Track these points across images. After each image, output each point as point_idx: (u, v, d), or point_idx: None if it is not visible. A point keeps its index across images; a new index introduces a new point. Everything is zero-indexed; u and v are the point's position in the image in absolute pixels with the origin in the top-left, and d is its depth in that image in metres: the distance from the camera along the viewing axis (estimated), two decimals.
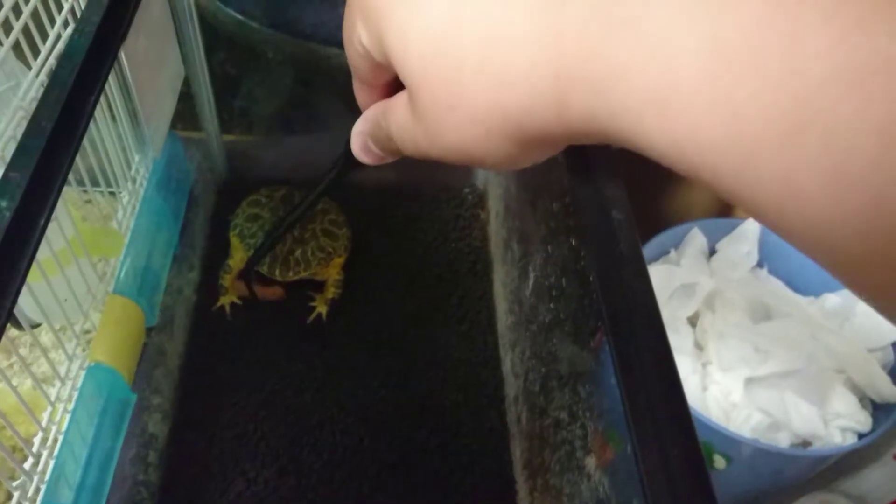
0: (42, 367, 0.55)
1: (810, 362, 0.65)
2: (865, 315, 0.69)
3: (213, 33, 0.63)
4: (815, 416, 0.63)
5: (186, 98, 0.59)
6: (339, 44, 0.26)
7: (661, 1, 0.17)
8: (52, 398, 0.38)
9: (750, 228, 0.75)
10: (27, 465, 0.34)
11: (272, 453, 0.56)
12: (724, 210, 0.85)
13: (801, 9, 0.15)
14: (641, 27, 0.17)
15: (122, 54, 0.39)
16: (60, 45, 0.38)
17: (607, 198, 0.30)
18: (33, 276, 0.32)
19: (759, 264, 0.76)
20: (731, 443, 0.60)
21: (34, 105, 0.30)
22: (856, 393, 0.66)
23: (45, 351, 0.36)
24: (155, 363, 0.54)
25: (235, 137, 0.72)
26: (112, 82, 0.43)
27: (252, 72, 0.69)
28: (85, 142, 0.32)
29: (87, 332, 0.43)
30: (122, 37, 0.37)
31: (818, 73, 0.14)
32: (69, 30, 0.38)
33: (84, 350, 0.41)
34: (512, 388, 0.59)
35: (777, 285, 0.75)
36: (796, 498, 0.70)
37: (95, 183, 0.45)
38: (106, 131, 0.44)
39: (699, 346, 0.69)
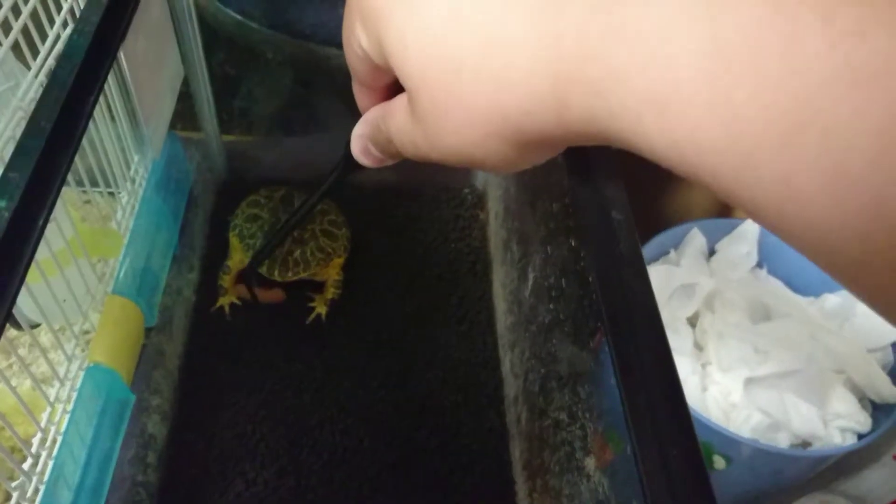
0: (41, 368, 0.55)
1: (810, 363, 0.65)
2: (865, 315, 0.69)
3: (213, 33, 0.63)
4: (815, 417, 0.63)
5: (186, 98, 0.59)
6: (339, 44, 0.26)
7: (661, 2, 0.17)
8: (52, 399, 0.38)
9: (749, 229, 0.75)
10: (26, 466, 0.34)
11: (272, 454, 0.56)
12: (723, 210, 0.85)
13: (801, 9, 0.15)
14: (641, 28, 0.17)
15: (121, 54, 0.39)
16: (59, 46, 0.38)
17: (607, 198, 0.30)
18: (32, 277, 0.32)
19: (759, 265, 0.76)
20: (730, 443, 0.60)
21: (33, 105, 0.30)
22: (855, 393, 0.66)
23: (44, 351, 0.36)
24: (154, 364, 0.54)
25: (235, 138, 0.72)
26: (111, 82, 0.43)
27: (251, 72, 0.69)
28: (84, 142, 0.32)
29: (87, 332, 0.43)
30: (122, 37, 0.37)
31: (818, 74, 0.14)
32: (68, 30, 0.38)
33: (83, 351, 0.41)
34: (511, 388, 0.59)
35: (777, 286, 0.75)
36: (796, 498, 0.70)
37: (95, 183, 0.45)
38: (105, 131, 0.44)
39: (699, 347, 0.69)
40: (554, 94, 0.19)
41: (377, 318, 0.65)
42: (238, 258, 0.63)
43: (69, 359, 0.41)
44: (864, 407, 0.65)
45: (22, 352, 0.56)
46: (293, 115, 0.74)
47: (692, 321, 0.71)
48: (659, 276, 0.72)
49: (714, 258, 0.77)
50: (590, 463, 0.39)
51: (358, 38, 0.24)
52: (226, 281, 0.63)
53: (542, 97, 0.20)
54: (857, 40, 0.14)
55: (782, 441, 0.63)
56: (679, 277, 0.72)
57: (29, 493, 0.34)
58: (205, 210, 0.68)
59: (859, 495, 0.68)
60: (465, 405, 0.60)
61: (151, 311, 0.48)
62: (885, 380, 0.66)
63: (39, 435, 0.36)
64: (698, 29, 0.16)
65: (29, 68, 0.37)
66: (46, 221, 0.28)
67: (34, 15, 0.36)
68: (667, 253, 0.77)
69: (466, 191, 0.74)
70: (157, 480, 0.53)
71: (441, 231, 0.71)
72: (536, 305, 0.52)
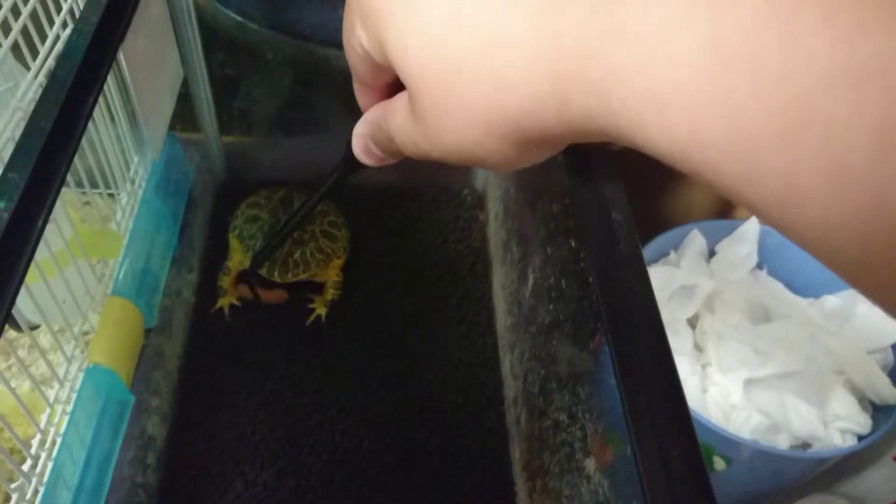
0: (41, 369, 0.55)
1: (810, 364, 0.65)
2: (865, 316, 0.69)
3: (212, 34, 0.63)
4: (815, 418, 0.63)
5: (185, 99, 0.59)
6: (339, 45, 0.26)
7: (661, 2, 0.17)
8: (51, 400, 0.38)
9: (749, 230, 0.75)
10: (25, 467, 0.34)
11: (271, 455, 0.56)
12: (723, 211, 0.85)
13: (801, 9, 0.15)
14: (641, 28, 0.17)
15: (120, 55, 0.38)
16: (59, 46, 0.38)
17: (607, 199, 0.30)
18: (32, 278, 0.32)
19: (759, 266, 0.76)
20: (730, 444, 0.60)
21: (33, 106, 0.30)
22: (855, 394, 0.66)
23: (43, 352, 0.36)
24: (154, 365, 0.54)
25: (234, 139, 0.71)
26: (111, 83, 0.43)
27: (251, 73, 0.69)
28: (83, 143, 0.32)
29: (86, 333, 0.43)
30: (121, 37, 0.37)
31: (818, 73, 0.14)
32: (68, 30, 0.38)
33: (83, 352, 0.41)
34: (511, 389, 0.59)
35: (776, 287, 0.75)
36: (796, 499, 0.69)
37: (94, 184, 0.45)
38: (104, 132, 0.44)
39: (699, 348, 0.69)
40: (554, 93, 0.19)
41: (377, 319, 0.65)
42: (238, 259, 0.63)
43: (69, 360, 0.41)
44: (864, 408, 0.65)
45: (21, 353, 0.56)
46: (293, 116, 0.74)
47: (692, 322, 0.71)
48: (659, 278, 0.72)
49: (714, 259, 0.77)
50: (590, 464, 0.38)
51: (358, 38, 0.24)
52: (225, 282, 0.63)
53: (543, 96, 0.20)
54: (858, 39, 0.14)
55: (782, 442, 0.63)
56: (679, 278, 0.72)
57: (28, 495, 0.34)
58: (204, 211, 0.68)
59: (859, 496, 0.68)
60: (464, 406, 0.60)
61: (151, 312, 0.48)
62: (885, 381, 0.66)
63: (39, 436, 0.36)
64: (698, 28, 0.16)
65: (28, 69, 0.37)
66: (46, 222, 0.28)
67: (34, 15, 0.36)
68: (667, 254, 0.77)
69: (466, 192, 0.74)
70: (156, 482, 0.53)
71: (441, 232, 0.71)
72: (536, 306, 0.52)
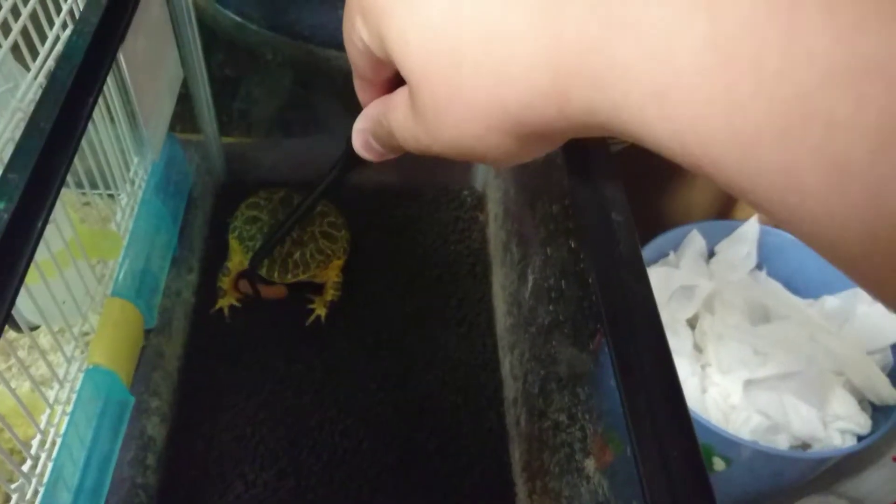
0: (40, 370, 0.55)
1: (809, 364, 0.65)
2: (865, 317, 0.69)
3: (212, 35, 0.63)
4: (815, 419, 0.63)
5: (185, 100, 0.59)
6: (338, 46, 0.26)
7: (661, 1, 0.17)
8: (51, 400, 0.38)
9: (749, 230, 0.75)
10: (25, 468, 0.34)
11: (271, 455, 0.56)
12: (723, 212, 0.85)
13: (803, 4, 0.15)
14: (642, 26, 0.17)
15: (120, 56, 0.38)
16: (59, 47, 0.38)
17: (607, 200, 0.30)
18: (31, 278, 0.32)
19: (759, 266, 0.76)
20: (730, 445, 0.60)
21: (32, 106, 0.30)
22: (855, 395, 0.66)
23: (43, 353, 0.36)
24: (153, 365, 0.54)
25: (234, 139, 0.71)
26: (110, 84, 0.43)
27: (251, 74, 0.69)
28: (83, 144, 0.32)
29: (86, 334, 0.43)
30: (121, 38, 0.37)
31: (819, 68, 0.14)
32: (68, 31, 0.38)
33: (82, 352, 0.41)
34: (511, 390, 0.59)
35: (776, 287, 0.75)
36: (796, 500, 0.70)
37: (94, 185, 0.45)
38: (104, 133, 0.44)
39: (698, 348, 0.69)
40: (555, 87, 0.19)
41: (377, 319, 0.65)
42: (237, 260, 0.63)
43: (68, 360, 0.41)
44: (863, 409, 0.65)
45: (21, 353, 0.56)
46: (293, 116, 0.74)
47: (692, 323, 0.71)
48: (658, 278, 0.72)
49: (713, 260, 0.77)
50: (590, 464, 0.38)
51: (359, 33, 0.24)
52: (225, 283, 0.63)
53: (543, 90, 0.20)
54: (858, 38, 0.14)
55: (782, 443, 0.63)
56: (678, 279, 0.72)
57: (28, 495, 0.34)
58: (204, 212, 0.68)
59: (859, 497, 0.68)
60: (464, 406, 0.60)
61: (151, 312, 0.48)
62: (884, 381, 0.66)
63: (39, 437, 0.36)
64: (699, 27, 0.16)
65: (28, 69, 0.37)
66: (45, 223, 0.28)
67: (33, 16, 0.36)
68: (666, 255, 0.77)
69: (466, 192, 0.74)
70: (156, 482, 0.53)
71: (440, 233, 0.71)
72: (536, 307, 0.52)
